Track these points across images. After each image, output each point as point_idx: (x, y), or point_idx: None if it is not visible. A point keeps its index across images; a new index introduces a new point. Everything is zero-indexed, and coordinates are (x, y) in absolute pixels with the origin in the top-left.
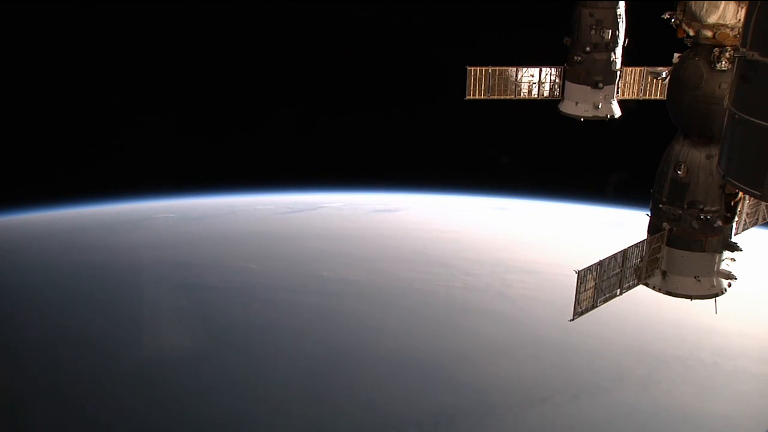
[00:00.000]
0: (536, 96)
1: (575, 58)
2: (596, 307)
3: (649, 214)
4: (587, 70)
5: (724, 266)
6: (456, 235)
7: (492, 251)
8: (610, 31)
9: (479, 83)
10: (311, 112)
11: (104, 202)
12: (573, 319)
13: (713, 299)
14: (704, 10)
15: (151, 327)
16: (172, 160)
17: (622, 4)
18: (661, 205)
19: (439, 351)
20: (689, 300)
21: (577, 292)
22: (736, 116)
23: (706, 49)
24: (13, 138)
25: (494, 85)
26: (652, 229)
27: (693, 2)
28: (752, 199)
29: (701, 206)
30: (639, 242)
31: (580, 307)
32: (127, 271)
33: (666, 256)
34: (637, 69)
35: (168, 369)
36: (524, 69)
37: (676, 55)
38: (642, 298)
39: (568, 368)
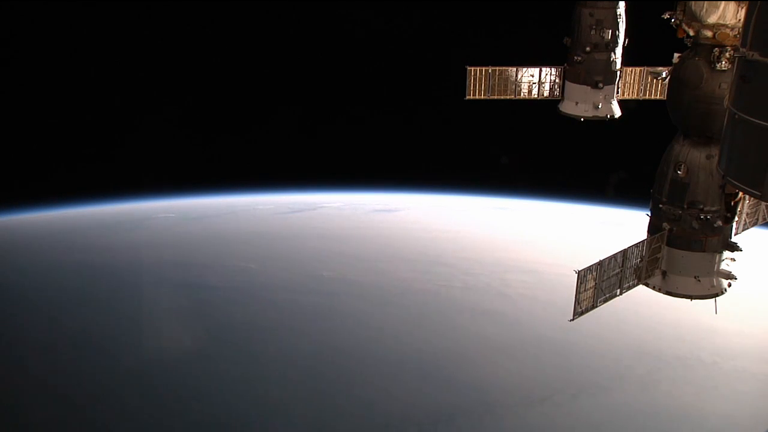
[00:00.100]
0: (536, 96)
1: (575, 58)
2: (596, 307)
3: (649, 214)
4: (587, 70)
5: (724, 266)
6: (456, 235)
7: (492, 251)
8: (610, 31)
9: (479, 83)
10: (311, 112)
11: (104, 202)
12: (573, 319)
13: (713, 299)
14: (704, 10)
15: (152, 327)
16: (172, 160)
17: (622, 4)
18: (661, 205)
19: (439, 351)
20: (689, 300)
21: (577, 292)
22: (736, 116)
23: (706, 49)
24: (13, 138)
25: (494, 85)
26: (652, 229)
27: (693, 2)
28: (752, 199)
29: (701, 206)
30: (639, 242)
31: (580, 307)
32: (128, 271)
33: (666, 256)
34: (637, 69)
35: (168, 369)
36: (524, 69)
37: (676, 55)
38: (642, 298)
39: (568, 368)
